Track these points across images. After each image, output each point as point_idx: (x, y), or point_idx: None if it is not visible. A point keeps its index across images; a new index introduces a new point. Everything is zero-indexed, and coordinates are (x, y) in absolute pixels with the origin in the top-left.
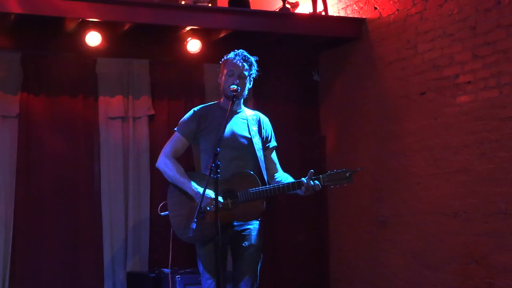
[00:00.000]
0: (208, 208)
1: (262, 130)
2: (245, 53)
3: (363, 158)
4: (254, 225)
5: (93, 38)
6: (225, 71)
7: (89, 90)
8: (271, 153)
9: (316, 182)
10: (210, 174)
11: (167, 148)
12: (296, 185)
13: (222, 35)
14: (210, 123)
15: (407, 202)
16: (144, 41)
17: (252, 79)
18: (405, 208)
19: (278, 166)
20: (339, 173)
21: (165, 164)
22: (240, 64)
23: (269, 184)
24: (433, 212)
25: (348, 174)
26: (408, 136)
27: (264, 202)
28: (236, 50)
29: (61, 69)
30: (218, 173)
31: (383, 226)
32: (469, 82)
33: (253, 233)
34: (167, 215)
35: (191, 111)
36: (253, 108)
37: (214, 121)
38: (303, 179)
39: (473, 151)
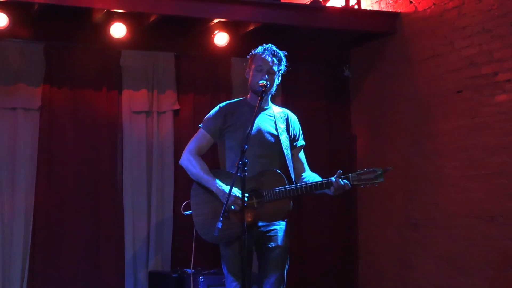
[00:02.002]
0: (233, 207)
1: (290, 128)
2: (274, 48)
3: (395, 158)
4: (280, 226)
5: (118, 30)
6: (253, 66)
7: (113, 83)
8: (298, 152)
9: (345, 181)
10: (236, 172)
11: (191, 145)
12: (325, 184)
13: (250, 28)
14: (237, 119)
15: (440, 204)
16: (170, 33)
17: (280, 74)
18: (438, 211)
19: (306, 165)
20: (369, 172)
21: (189, 161)
22: (269, 59)
23: (295, 183)
24: (468, 215)
25: (379, 173)
26: (443, 136)
27: (291, 202)
28: (265, 45)
29: (85, 61)
30: (245, 171)
31: (415, 229)
32: (508, 81)
33: (279, 234)
34: (190, 214)
35: (217, 107)
36: (281, 105)
37: (241, 118)
38: (332, 178)
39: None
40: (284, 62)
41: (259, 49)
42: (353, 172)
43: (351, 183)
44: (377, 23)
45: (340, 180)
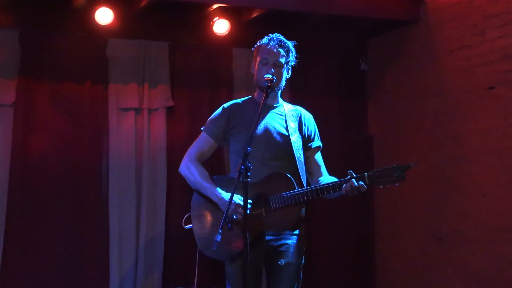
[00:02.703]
0: (234, 217)
1: (303, 127)
2: (281, 37)
3: (417, 163)
4: (292, 240)
5: (104, 15)
6: (258, 59)
7: (98, 76)
8: (314, 154)
9: (361, 182)
10: (238, 177)
11: (192, 150)
12: (337, 186)
13: (254, 15)
14: (242, 119)
15: (469, 216)
16: (164, 20)
17: (290, 67)
18: (467, 223)
19: (323, 169)
20: (388, 169)
21: (187, 168)
22: (276, 50)
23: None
24: (501, 228)
25: (400, 171)
26: (472, 138)
27: (302, 209)
28: (270, 34)
29: (66, 50)
30: (248, 176)
31: (440, 243)
32: None
33: (291, 249)
34: (191, 228)
35: (220, 108)
36: (290, 101)
37: (246, 117)
38: (346, 179)
39: None
40: (293, 54)
41: (264, 39)
42: (370, 171)
43: (367, 182)
44: (398, 9)
45: (354, 181)
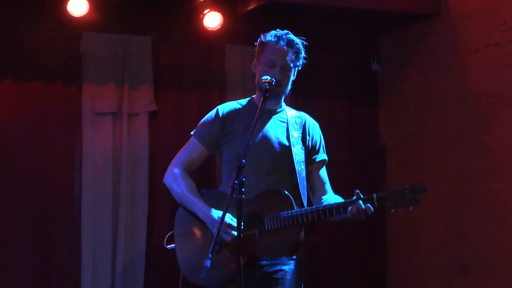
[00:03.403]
0: (224, 237)
1: (307, 137)
2: (291, 36)
3: (437, 177)
4: (289, 265)
5: (78, 6)
6: (262, 60)
7: (70, 76)
8: (319, 169)
9: (368, 204)
10: (231, 193)
11: (179, 157)
12: (341, 208)
13: (251, 7)
14: (238, 125)
15: (497, 240)
16: (147, 12)
17: (297, 70)
18: (494, 248)
19: (328, 186)
20: (400, 191)
21: (174, 178)
22: (285, 51)
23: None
24: None
25: (415, 193)
26: (499, 150)
27: (302, 232)
28: (279, 31)
29: (34, 45)
30: (242, 193)
31: (463, 271)
32: None
33: (287, 277)
34: (174, 248)
35: (214, 110)
36: (291, 106)
37: (243, 123)
38: (351, 199)
39: None
40: (302, 54)
41: (271, 36)
42: (379, 192)
43: (375, 205)
44: (416, 1)
45: (360, 202)
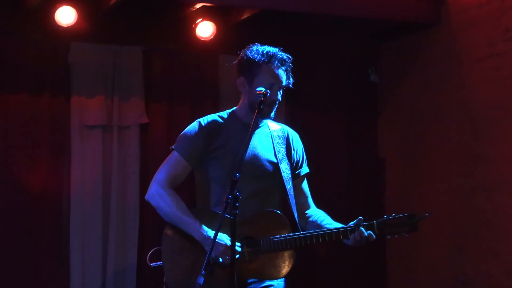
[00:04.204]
0: (220, 260)
1: (292, 151)
2: (284, 56)
3: (438, 192)
4: (278, 282)
5: (66, 16)
6: (257, 80)
7: (58, 87)
8: (301, 183)
9: (370, 232)
10: (224, 209)
11: (162, 173)
12: (341, 234)
13: (245, 16)
14: (225, 141)
15: (501, 256)
16: (137, 21)
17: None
18: (498, 265)
19: (310, 199)
20: (398, 218)
21: (160, 196)
22: (281, 72)
23: (300, 226)
24: None
25: (412, 222)
26: (503, 163)
27: (294, 253)
28: (266, 47)
29: (21, 56)
30: (236, 208)
31: None
32: None
33: None
34: (160, 266)
35: (196, 123)
36: (287, 118)
37: (230, 140)
38: (351, 224)
39: None
40: (291, 72)
41: (268, 57)
42: (379, 219)
43: (376, 232)
44: (415, 10)
45: (363, 229)
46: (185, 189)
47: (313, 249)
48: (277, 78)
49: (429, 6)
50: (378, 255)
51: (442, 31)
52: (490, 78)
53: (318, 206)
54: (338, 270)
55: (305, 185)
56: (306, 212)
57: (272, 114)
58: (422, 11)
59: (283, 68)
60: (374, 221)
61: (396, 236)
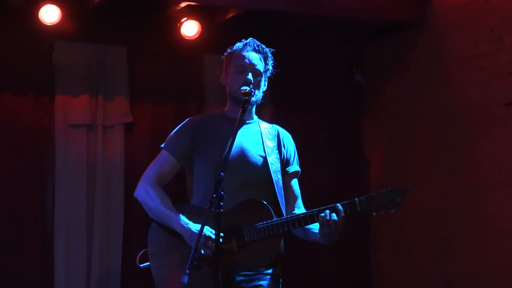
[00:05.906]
0: (202, 252)
1: (282, 148)
2: (257, 42)
3: (422, 192)
4: (265, 281)
5: (50, 14)
6: (232, 68)
7: (42, 86)
8: (291, 180)
9: (333, 216)
10: (209, 207)
11: (150, 171)
12: (309, 218)
13: (230, 15)
14: (210, 137)
15: (484, 256)
16: (122, 21)
17: (267, 78)
18: (481, 265)
19: (299, 200)
20: (382, 194)
21: (146, 192)
22: (253, 56)
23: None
24: None
25: (396, 195)
26: (487, 164)
27: (281, 242)
28: (244, 40)
29: (4, 55)
30: (221, 207)
31: None
32: None
33: None
34: (148, 267)
35: (184, 122)
36: (270, 119)
37: (217, 135)
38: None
39: None
40: (271, 61)
41: (238, 45)
42: (361, 196)
43: (358, 210)
44: (399, 10)
45: (341, 208)
46: (176, 189)
47: (296, 253)
48: (249, 60)
49: (414, 7)
50: (362, 256)
51: (426, 32)
52: (474, 79)
53: (304, 206)
54: (322, 271)
55: (295, 183)
56: (293, 213)
57: (255, 101)
58: (406, 11)
59: (256, 53)
60: (356, 198)
61: (382, 212)
